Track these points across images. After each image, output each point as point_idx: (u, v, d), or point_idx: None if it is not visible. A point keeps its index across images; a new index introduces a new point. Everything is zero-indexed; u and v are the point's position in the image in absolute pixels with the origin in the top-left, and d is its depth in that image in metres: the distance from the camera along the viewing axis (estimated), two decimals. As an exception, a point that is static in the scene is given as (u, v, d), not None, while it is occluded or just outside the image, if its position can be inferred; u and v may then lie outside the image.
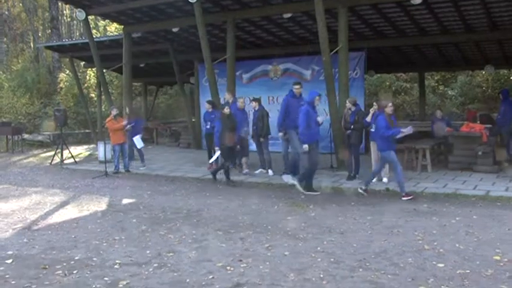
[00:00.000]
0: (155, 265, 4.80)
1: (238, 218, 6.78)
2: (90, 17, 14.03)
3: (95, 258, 5.04)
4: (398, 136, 8.12)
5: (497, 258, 4.79)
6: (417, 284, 4.17)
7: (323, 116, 9.75)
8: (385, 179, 9.27)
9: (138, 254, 5.19)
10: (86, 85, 24.33)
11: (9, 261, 5.00)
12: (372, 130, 9.30)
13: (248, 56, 15.71)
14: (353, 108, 9.78)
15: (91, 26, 15.63)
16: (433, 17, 11.95)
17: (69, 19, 33.72)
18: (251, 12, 12.12)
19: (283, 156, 10.39)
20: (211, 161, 9.92)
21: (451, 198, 7.83)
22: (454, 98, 23.36)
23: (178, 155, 14.91)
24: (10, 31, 31.85)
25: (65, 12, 32.83)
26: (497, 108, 13.44)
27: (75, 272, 4.64)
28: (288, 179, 9.18)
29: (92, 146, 17.72)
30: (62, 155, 13.14)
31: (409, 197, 7.72)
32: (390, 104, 8.37)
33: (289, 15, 11.70)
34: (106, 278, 4.46)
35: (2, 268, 4.77)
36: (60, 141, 13.52)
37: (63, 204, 8.02)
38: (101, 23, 29.52)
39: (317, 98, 8.62)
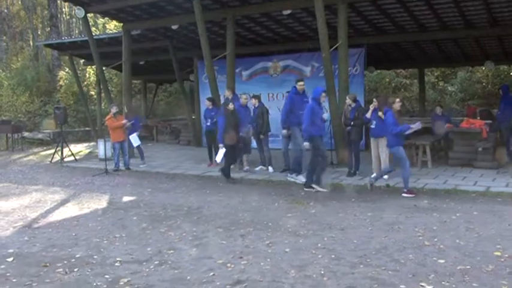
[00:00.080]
0: (156, 262, 4.81)
1: (238, 215, 6.78)
2: (89, 15, 14.01)
3: (95, 256, 5.05)
4: (407, 132, 8.03)
5: (498, 254, 4.79)
6: (418, 280, 4.17)
7: (328, 113, 9.75)
8: (385, 176, 9.25)
9: (138, 251, 5.19)
10: (85, 83, 24.33)
11: (10, 259, 5.00)
12: (372, 126, 9.30)
13: (248, 53, 15.69)
14: (353, 105, 9.78)
15: (90, 23, 15.58)
16: (433, 13, 11.93)
17: (68, 17, 33.64)
18: (251, 9, 12.10)
19: (283, 153, 10.40)
20: (217, 159, 9.72)
21: (451, 194, 7.83)
22: (454, 94, 23.34)
23: (178, 153, 14.91)
24: (9, 29, 31.80)
25: (64, 10, 32.74)
26: (497, 104, 13.43)
27: (76, 269, 4.64)
28: (300, 178, 9.22)
29: (92, 143, 17.73)
30: (62, 153, 13.14)
31: (411, 195, 7.70)
32: (398, 100, 8.28)
33: (288, 11, 11.67)
34: (107, 276, 4.46)
35: (3, 266, 4.77)
36: (60, 139, 13.52)
37: (63, 202, 8.03)
38: (100, 20, 29.46)
39: (323, 94, 8.61)
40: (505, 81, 19.72)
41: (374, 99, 9.68)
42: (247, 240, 5.54)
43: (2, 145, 16.94)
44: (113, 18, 15.76)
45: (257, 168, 10.81)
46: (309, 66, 14.46)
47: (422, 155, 10.47)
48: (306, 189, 8.45)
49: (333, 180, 9.21)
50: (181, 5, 12.03)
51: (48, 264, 4.80)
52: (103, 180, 10.21)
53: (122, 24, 14.24)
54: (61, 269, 4.65)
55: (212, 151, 11.67)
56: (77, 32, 32.07)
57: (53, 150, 13.82)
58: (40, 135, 18.48)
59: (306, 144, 8.42)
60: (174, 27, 13.70)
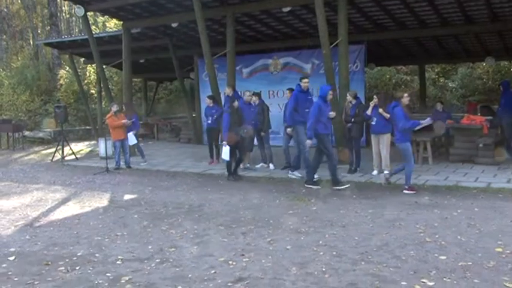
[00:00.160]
0: (157, 260, 4.81)
1: (239, 212, 6.79)
2: (89, 13, 14.00)
3: (97, 254, 5.05)
4: (417, 128, 7.95)
5: (499, 250, 4.79)
6: (419, 276, 4.17)
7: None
8: (386, 172, 9.24)
9: (140, 249, 5.20)
10: (86, 81, 24.34)
11: (12, 258, 5.01)
12: (373, 123, 9.30)
13: (248, 51, 15.68)
14: (354, 102, 9.78)
15: (90, 22, 15.58)
16: (433, 9, 11.91)
17: (68, 16, 33.62)
18: (250, 6, 12.08)
19: (284, 150, 10.40)
20: (223, 157, 9.63)
21: (452, 190, 7.82)
22: (454, 90, 23.29)
23: (179, 151, 14.92)
24: (9, 28, 31.81)
25: (63, 8, 32.72)
26: (498, 100, 13.41)
27: (77, 268, 4.65)
28: (295, 173, 9.24)
29: (92, 142, 17.74)
30: (62, 152, 13.15)
31: (412, 191, 7.69)
32: (406, 95, 8.18)
33: (288, 8, 11.66)
34: (108, 274, 4.46)
35: (4, 265, 4.78)
36: (61, 138, 13.53)
37: (64, 201, 8.03)
38: (100, 19, 29.46)
39: (330, 92, 8.57)
40: (505, 77, 19.70)
41: (374, 96, 9.67)
42: (248, 237, 5.54)
43: (3, 144, 16.96)
44: (112, 16, 15.73)
45: (258, 166, 10.82)
46: (309, 63, 14.45)
47: (423, 152, 10.47)
48: (307, 186, 8.45)
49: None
50: (181, 3, 12.02)
51: (49, 263, 4.81)
52: (104, 178, 10.22)
53: (121, 22, 14.24)
54: (63, 268, 4.66)
55: (213, 149, 11.68)
56: (77, 30, 32.06)
57: (53, 149, 13.82)
58: (41, 134, 18.50)
59: (308, 142, 8.40)
60: (174, 25, 13.68)
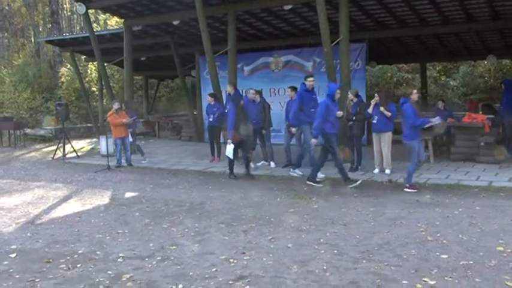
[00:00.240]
0: (158, 258, 4.81)
1: (240, 210, 6.79)
2: (90, 11, 13.99)
3: (98, 252, 5.06)
4: (427, 126, 7.86)
5: (501, 249, 4.79)
6: (421, 275, 4.17)
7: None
8: (387, 171, 9.25)
9: (141, 247, 5.20)
10: (87, 79, 24.34)
11: (13, 255, 5.01)
12: (374, 122, 9.29)
13: (249, 49, 15.67)
14: (355, 100, 9.78)
15: (91, 19, 15.60)
16: (434, 7, 11.89)
17: (69, 13, 33.62)
18: (252, 4, 12.07)
19: (285, 148, 10.38)
20: (227, 155, 9.56)
21: (453, 189, 7.81)
22: (456, 88, 23.26)
23: (180, 148, 14.93)
24: (11, 26, 31.81)
25: (65, 6, 32.75)
26: (500, 99, 13.39)
27: (78, 265, 4.65)
28: (296, 171, 9.25)
29: (94, 140, 17.74)
30: (64, 150, 13.15)
31: (414, 190, 7.69)
32: (415, 91, 8.04)
33: (289, 6, 11.64)
34: (109, 272, 4.47)
35: (6, 262, 4.79)
36: (62, 136, 13.53)
37: (66, 199, 8.04)
38: (101, 16, 29.44)
39: (338, 91, 8.53)
40: (507, 76, 19.67)
41: (376, 94, 9.66)
42: (249, 235, 5.54)
43: (4, 142, 16.97)
44: (114, 14, 15.73)
45: (259, 164, 10.81)
46: (310, 62, 14.44)
47: (425, 150, 10.44)
48: (309, 183, 8.45)
49: (335, 175, 9.20)
50: (182, 0, 12.01)
51: (51, 260, 4.81)
52: (105, 176, 10.22)
53: (123, 20, 14.22)
54: (64, 265, 4.66)
55: (214, 147, 11.68)
56: (78, 28, 32.06)
57: (55, 147, 13.83)
58: (42, 132, 18.51)
59: (314, 141, 8.38)
60: (176, 23, 13.67)
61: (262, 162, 10.86)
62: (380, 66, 22.54)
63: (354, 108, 9.65)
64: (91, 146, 16.16)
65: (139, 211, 6.95)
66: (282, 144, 10.66)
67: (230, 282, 4.16)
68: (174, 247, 5.17)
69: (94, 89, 23.94)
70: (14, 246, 5.33)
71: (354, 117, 9.58)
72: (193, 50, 16.58)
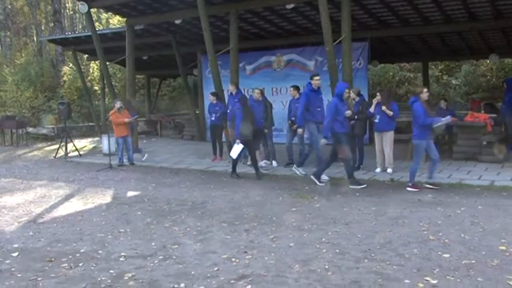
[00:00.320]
0: (160, 257, 4.82)
1: (242, 209, 6.79)
2: (92, 10, 14.00)
3: (100, 251, 5.06)
4: (437, 125, 7.67)
5: (503, 248, 4.78)
6: (423, 274, 4.17)
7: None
8: (389, 170, 9.24)
9: (143, 246, 5.21)
10: (89, 78, 24.35)
11: (15, 254, 5.02)
12: (376, 121, 9.29)
13: (251, 47, 15.65)
14: (357, 99, 9.77)
15: (93, 18, 15.59)
16: (437, 6, 11.86)
17: (71, 12, 33.63)
18: (254, 3, 12.05)
19: (287, 147, 10.38)
20: (231, 155, 9.52)
21: (455, 188, 7.81)
22: (458, 87, 23.24)
23: (182, 147, 14.93)
24: (13, 25, 31.81)
25: (67, 5, 32.74)
26: (502, 98, 13.36)
27: (80, 264, 4.66)
28: (300, 170, 9.23)
29: (96, 139, 17.76)
30: (66, 148, 13.17)
31: (416, 189, 7.68)
32: (426, 90, 7.89)
33: (292, 5, 11.60)
34: (111, 271, 4.47)
35: (8, 261, 4.79)
36: (64, 135, 13.54)
37: (68, 197, 8.05)
38: (104, 15, 29.49)
39: (347, 90, 8.49)
40: (509, 75, 19.65)
41: (378, 93, 9.66)
42: (251, 234, 5.54)
43: (6, 140, 16.99)
44: (116, 13, 15.73)
45: (261, 163, 10.80)
46: (312, 60, 14.43)
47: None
48: (312, 178, 8.45)
49: (337, 175, 9.20)
50: (185, -1, 12.01)
51: (53, 259, 4.82)
52: (107, 175, 10.23)
53: (125, 19, 14.22)
54: (66, 264, 4.67)
55: (216, 146, 11.68)
56: (80, 27, 32.06)
57: (57, 146, 13.85)
58: (44, 131, 18.53)
59: (323, 141, 8.36)
60: (178, 22, 13.65)
61: (264, 161, 10.85)
62: (382, 65, 22.52)
63: (356, 107, 9.64)
64: (93, 145, 16.18)
65: (141, 210, 6.96)
66: (284, 144, 10.66)
67: (232, 281, 4.16)
68: (176, 246, 5.17)
69: (96, 88, 23.94)
70: (16, 245, 5.34)
71: (356, 117, 9.56)
72: (195, 49, 16.57)
